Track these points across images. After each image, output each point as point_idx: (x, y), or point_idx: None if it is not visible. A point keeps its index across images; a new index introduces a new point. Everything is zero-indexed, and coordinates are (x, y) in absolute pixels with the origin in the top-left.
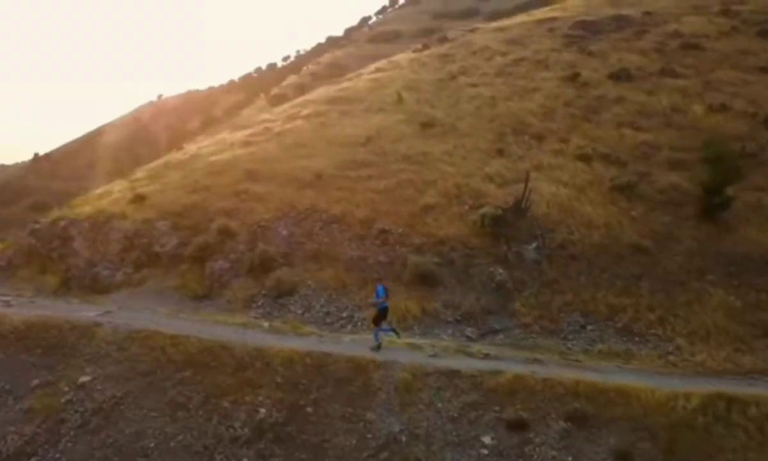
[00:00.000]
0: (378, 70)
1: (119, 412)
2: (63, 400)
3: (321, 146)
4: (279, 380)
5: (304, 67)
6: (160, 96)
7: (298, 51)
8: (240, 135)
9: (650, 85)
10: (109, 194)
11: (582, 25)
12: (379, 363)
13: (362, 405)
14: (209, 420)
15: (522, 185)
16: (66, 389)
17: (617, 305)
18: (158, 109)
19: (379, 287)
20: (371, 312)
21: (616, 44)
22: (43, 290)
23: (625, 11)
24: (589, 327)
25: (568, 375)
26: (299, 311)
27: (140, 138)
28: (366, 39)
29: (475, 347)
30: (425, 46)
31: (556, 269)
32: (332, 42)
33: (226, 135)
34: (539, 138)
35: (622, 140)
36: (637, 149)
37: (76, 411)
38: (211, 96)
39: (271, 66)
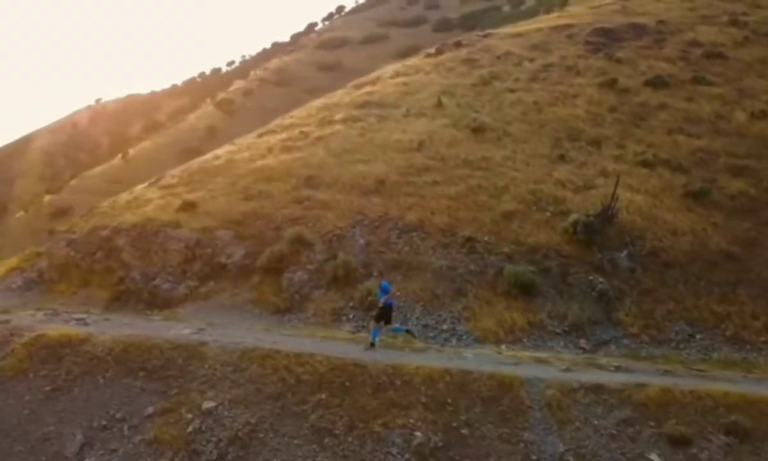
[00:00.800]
0: (399, 74)
1: (258, 441)
2: (190, 429)
3: (373, 151)
4: (423, 400)
5: (252, 73)
6: (98, 100)
7: (243, 56)
8: (274, 139)
9: (686, 92)
10: (143, 201)
11: (601, 32)
12: (522, 380)
13: (517, 425)
14: (363, 446)
15: (592, 191)
16: (189, 416)
17: (721, 313)
18: (97, 113)
19: (384, 284)
20: (376, 312)
21: (640, 52)
22: (92, 305)
23: (636, 20)
24: (698, 336)
25: (709, 386)
26: (395, 325)
27: (78, 143)
28: (314, 45)
29: (603, 359)
30: (439, 51)
31: (651, 277)
32: (278, 47)
33: (253, 139)
34: (595, 144)
35: (678, 147)
36: (694, 156)
37: (208, 441)
38: (153, 100)
39: (216, 71)
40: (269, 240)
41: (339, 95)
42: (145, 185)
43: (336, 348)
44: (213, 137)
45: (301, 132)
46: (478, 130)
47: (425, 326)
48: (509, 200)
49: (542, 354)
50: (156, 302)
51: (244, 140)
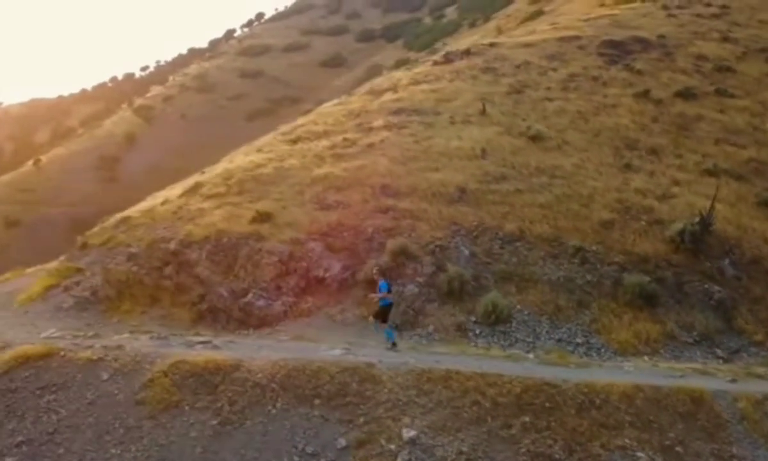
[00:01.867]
0: (417, 81)
1: None
2: None
3: (436, 158)
4: (628, 418)
5: (170, 78)
6: None
7: (158, 61)
8: (317, 146)
9: (715, 104)
10: (195, 211)
11: (610, 44)
12: (710, 393)
13: (723, 440)
14: None
15: (673, 200)
16: (392, 447)
17: None
18: None
19: (382, 283)
20: (373, 309)
21: (654, 64)
22: (173, 325)
23: (637, 33)
24: None
25: None
26: (528, 339)
27: None
28: (235, 52)
29: (760, 369)
30: (448, 59)
31: (758, 285)
32: (196, 53)
33: (287, 147)
34: (653, 153)
35: (730, 157)
36: (747, 165)
37: None
38: (60, 105)
39: (129, 76)
40: (362, 252)
41: (357, 102)
42: (177, 192)
43: (504, 366)
44: (132, 144)
45: (345, 139)
46: (536, 138)
47: (558, 339)
48: (600, 208)
49: (696, 365)
50: (250, 321)
51: (277, 148)
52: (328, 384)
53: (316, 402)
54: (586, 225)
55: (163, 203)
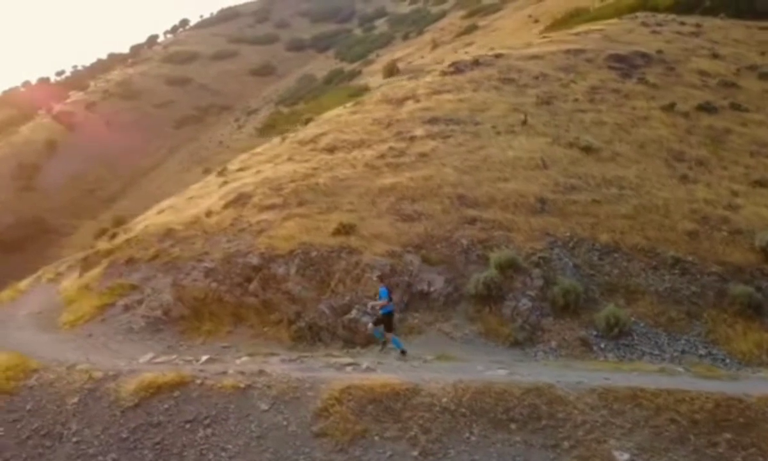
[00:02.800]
0: (436, 91)
1: None
2: None
3: (500, 168)
4: None
5: (92, 84)
6: None
7: (75, 66)
8: (363, 155)
9: (733, 117)
10: (253, 223)
11: (616, 58)
12: None
13: None
14: None
15: (741, 210)
16: None
17: None
18: None
19: (382, 290)
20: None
21: (662, 78)
22: (270, 345)
23: (633, 48)
24: None
25: None
26: (654, 352)
27: None
28: (161, 58)
29: None
30: (458, 70)
31: None
32: (117, 59)
33: (326, 156)
34: (701, 164)
35: None
36: None
37: None
38: None
39: (44, 80)
40: (459, 264)
41: (374, 110)
42: (214, 203)
43: (668, 381)
44: (53, 151)
45: (392, 148)
46: (589, 149)
47: (682, 351)
48: (680, 219)
49: None
50: (356, 339)
51: (298, 157)
52: (518, 406)
53: (512, 426)
54: (674, 236)
55: (208, 214)
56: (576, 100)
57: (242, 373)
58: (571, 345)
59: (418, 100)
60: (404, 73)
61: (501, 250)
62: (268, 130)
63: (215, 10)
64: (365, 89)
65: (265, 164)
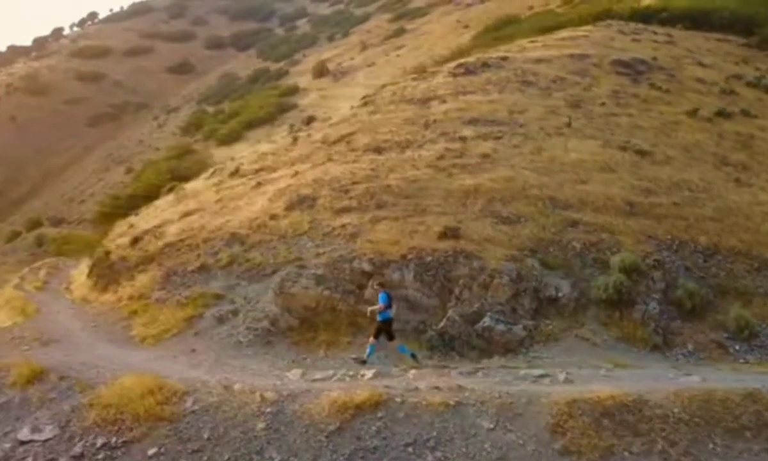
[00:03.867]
0: (461, 92)
1: None
2: None
3: (572, 170)
4: None
5: None
6: None
7: None
8: (422, 154)
9: (748, 122)
10: (337, 226)
11: (620, 63)
12: None
13: None
14: None
15: None
16: None
17: None
18: None
19: (382, 295)
20: (373, 326)
21: (670, 84)
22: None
23: (635, 55)
24: None
25: None
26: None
27: None
28: (69, 53)
29: None
30: (469, 71)
31: None
32: (19, 51)
33: (377, 156)
34: (745, 169)
35: None
36: None
37: None
38: None
39: None
40: (576, 268)
41: (397, 111)
42: (277, 206)
43: None
44: None
45: (447, 149)
46: (643, 153)
47: None
48: (761, 222)
49: None
50: (492, 348)
51: (339, 158)
52: (744, 413)
53: (747, 434)
54: (763, 238)
55: (272, 217)
56: (603, 104)
57: (437, 388)
58: (707, 348)
59: (444, 101)
60: (334, 74)
61: (619, 253)
62: (192, 129)
63: (125, 4)
64: (295, 89)
65: (297, 165)
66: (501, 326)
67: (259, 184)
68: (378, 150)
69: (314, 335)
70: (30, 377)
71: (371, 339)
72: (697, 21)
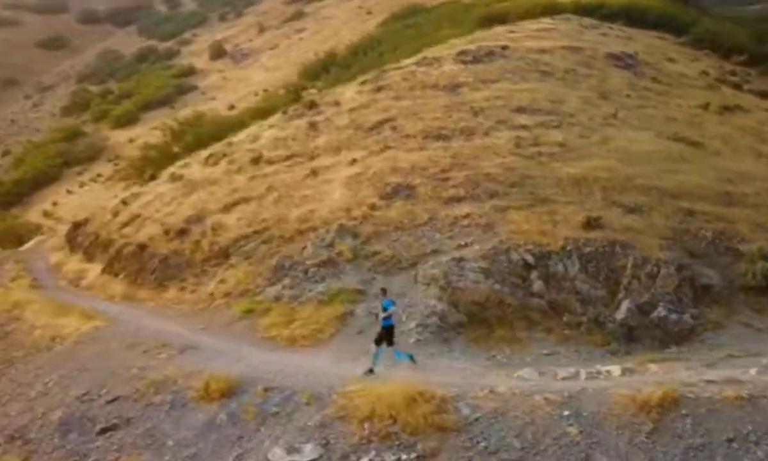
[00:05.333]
0: (483, 80)
1: None
2: None
3: (653, 160)
4: None
5: None
6: None
7: None
8: (501, 145)
9: (746, 115)
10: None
11: (613, 57)
12: None
13: None
14: None
15: None
16: None
17: None
18: None
19: (386, 301)
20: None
21: (665, 78)
22: (591, 350)
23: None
24: None
25: None
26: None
27: None
28: None
29: None
30: (475, 58)
31: None
32: None
33: (441, 143)
34: None
35: None
36: None
37: None
38: None
39: None
40: (712, 256)
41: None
42: (368, 196)
43: None
44: None
45: (518, 137)
46: (696, 144)
47: None
48: None
49: None
50: (668, 338)
51: (415, 146)
52: None
53: None
54: None
55: (372, 208)
56: (628, 96)
57: (712, 382)
58: None
59: (475, 88)
60: (234, 56)
61: (751, 243)
62: (76, 109)
63: None
64: (192, 70)
65: (344, 153)
66: (674, 316)
67: (313, 172)
68: (441, 137)
69: (488, 331)
70: (225, 390)
71: (373, 347)
72: (632, 18)
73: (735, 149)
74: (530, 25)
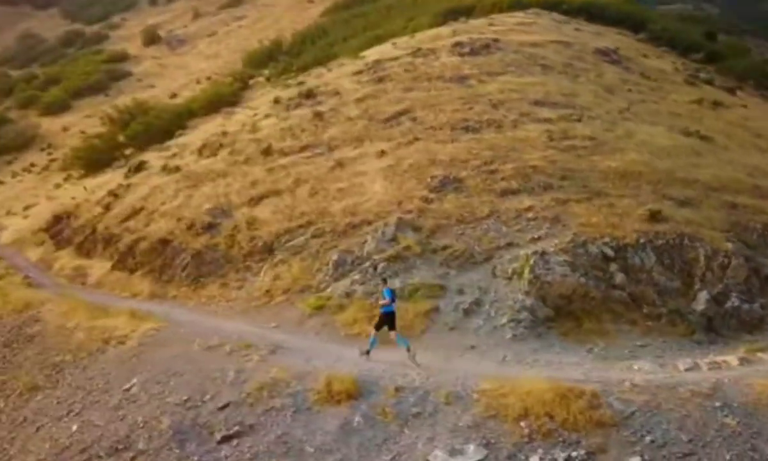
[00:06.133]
0: (489, 73)
1: None
2: None
3: (678, 154)
4: None
5: None
6: None
7: None
8: (533, 138)
9: (729, 110)
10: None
11: (600, 51)
12: None
13: None
14: None
15: None
16: None
17: None
18: None
19: (386, 290)
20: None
21: (648, 73)
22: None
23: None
24: None
25: None
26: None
27: None
28: None
29: None
30: (473, 51)
31: None
32: None
33: (471, 134)
34: None
35: None
36: None
37: None
38: None
39: None
40: (762, 247)
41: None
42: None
43: None
44: None
45: (548, 130)
46: (707, 139)
47: None
48: None
49: None
50: (741, 327)
51: (429, 138)
52: None
53: None
54: None
55: (427, 201)
56: (630, 90)
57: None
58: None
59: (481, 80)
60: (169, 42)
61: None
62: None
63: None
64: (125, 56)
65: (366, 145)
66: (746, 306)
67: (339, 163)
68: (469, 129)
69: (575, 324)
70: (352, 391)
71: (373, 332)
72: (593, 15)
73: (740, 144)
74: (509, 19)
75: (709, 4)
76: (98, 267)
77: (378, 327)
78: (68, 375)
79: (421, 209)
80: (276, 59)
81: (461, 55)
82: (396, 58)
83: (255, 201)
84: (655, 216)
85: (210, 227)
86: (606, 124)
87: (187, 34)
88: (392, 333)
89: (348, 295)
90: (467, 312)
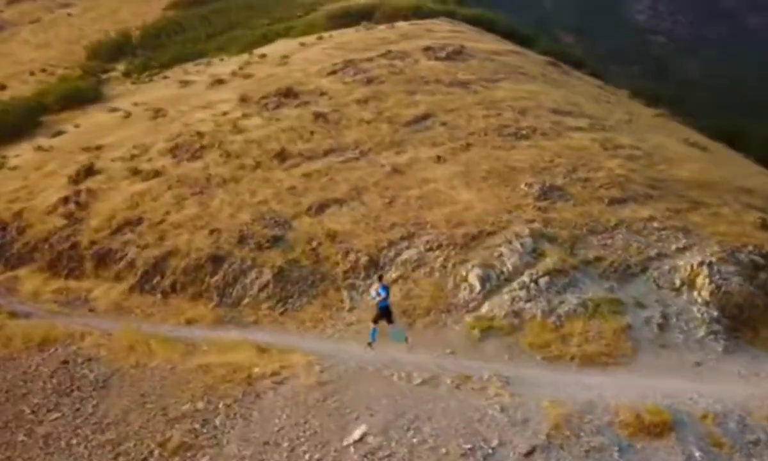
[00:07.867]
0: (489, 80)
1: None
2: None
3: (710, 161)
4: None
5: None
6: None
7: None
8: (586, 144)
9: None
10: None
11: (550, 62)
12: None
13: None
14: None
15: None
16: None
17: None
18: None
19: (382, 287)
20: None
21: (600, 84)
22: None
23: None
24: None
25: None
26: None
27: None
28: None
29: None
30: (449, 56)
31: None
32: None
33: (520, 141)
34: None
35: None
36: None
37: None
38: None
39: None
40: None
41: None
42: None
43: None
44: None
45: (595, 139)
46: (703, 148)
47: None
48: None
49: None
50: None
51: (478, 143)
52: None
53: None
54: None
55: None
56: (608, 102)
57: None
58: None
59: (486, 87)
60: None
61: None
62: None
63: None
64: None
65: (413, 149)
66: None
67: (396, 170)
68: (519, 136)
69: (752, 333)
70: (668, 421)
71: (371, 324)
72: (484, 26)
73: (720, 151)
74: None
75: None
76: (102, 290)
77: (375, 321)
78: (229, 428)
79: (544, 219)
80: (127, 54)
81: (438, 59)
82: (370, 60)
83: (315, 211)
84: (766, 224)
85: (275, 240)
86: (627, 134)
87: (3, 19)
88: (390, 326)
89: (516, 314)
90: (661, 327)
